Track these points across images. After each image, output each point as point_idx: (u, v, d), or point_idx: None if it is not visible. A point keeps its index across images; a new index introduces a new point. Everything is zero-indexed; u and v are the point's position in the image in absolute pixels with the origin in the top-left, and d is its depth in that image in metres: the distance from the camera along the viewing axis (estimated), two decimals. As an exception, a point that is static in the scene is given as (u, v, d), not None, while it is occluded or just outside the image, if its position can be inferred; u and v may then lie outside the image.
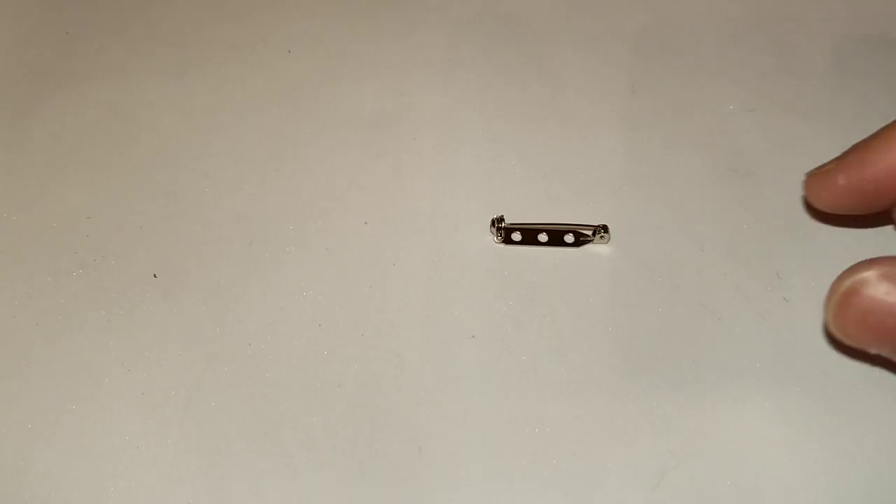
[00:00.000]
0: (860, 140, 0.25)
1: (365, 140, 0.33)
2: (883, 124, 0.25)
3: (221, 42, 0.37)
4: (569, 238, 0.30)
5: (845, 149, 0.26)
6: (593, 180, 0.32)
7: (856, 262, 0.29)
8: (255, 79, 0.36)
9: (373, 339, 0.28)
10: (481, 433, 0.26)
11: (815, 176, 0.25)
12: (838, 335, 0.22)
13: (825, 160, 0.26)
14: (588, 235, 0.30)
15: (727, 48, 0.36)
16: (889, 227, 0.30)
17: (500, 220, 0.30)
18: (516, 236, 0.30)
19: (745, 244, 0.30)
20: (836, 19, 0.37)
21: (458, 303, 0.29)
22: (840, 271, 0.29)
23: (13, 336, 0.28)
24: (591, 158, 0.33)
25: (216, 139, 0.33)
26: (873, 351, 0.22)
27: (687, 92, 0.35)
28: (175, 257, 0.30)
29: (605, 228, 0.30)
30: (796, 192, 0.31)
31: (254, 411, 0.27)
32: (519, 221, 0.29)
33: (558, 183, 0.32)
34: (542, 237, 0.30)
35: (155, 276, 0.30)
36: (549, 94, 0.35)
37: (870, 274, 0.20)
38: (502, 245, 0.30)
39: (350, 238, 0.31)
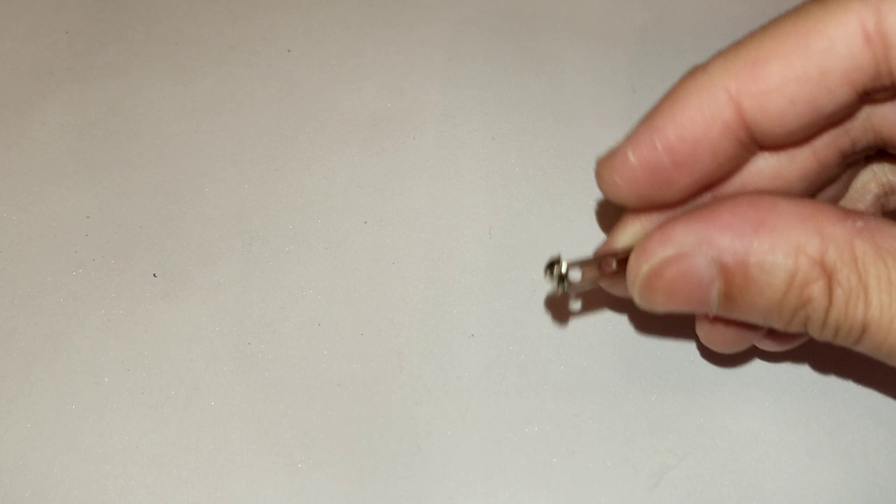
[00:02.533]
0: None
1: (365, 139, 0.33)
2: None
3: (221, 41, 0.37)
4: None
5: None
6: (594, 179, 0.32)
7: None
8: (255, 78, 0.35)
9: (372, 339, 0.28)
10: (480, 432, 0.26)
11: (605, 159, 0.21)
12: (645, 304, 0.22)
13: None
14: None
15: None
16: None
17: (557, 262, 0.22)
18: (576, 275, 0.23)
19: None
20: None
21: (457, 302, 0.29)
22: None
23: (13, 336, 0.28)
24: (591, 157, 0.32)
25: (216, 138, 0.33)
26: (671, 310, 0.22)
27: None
28: (175, 257, 0.30)
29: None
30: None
31: (253, 410, 0.27)
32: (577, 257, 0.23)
33: (558, 181, 0.32)
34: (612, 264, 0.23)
35: (154, 275, 0.30)
36: (549, 92, 0.35)
37: (671, 250, 0.20)
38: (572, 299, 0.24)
39: (350, 237, 0.31)
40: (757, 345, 0.24)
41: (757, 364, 0.27)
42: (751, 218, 0.19)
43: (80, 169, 0.33)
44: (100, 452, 0.26)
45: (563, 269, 0.22)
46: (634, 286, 0.21)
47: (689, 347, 0.28)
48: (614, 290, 0.24)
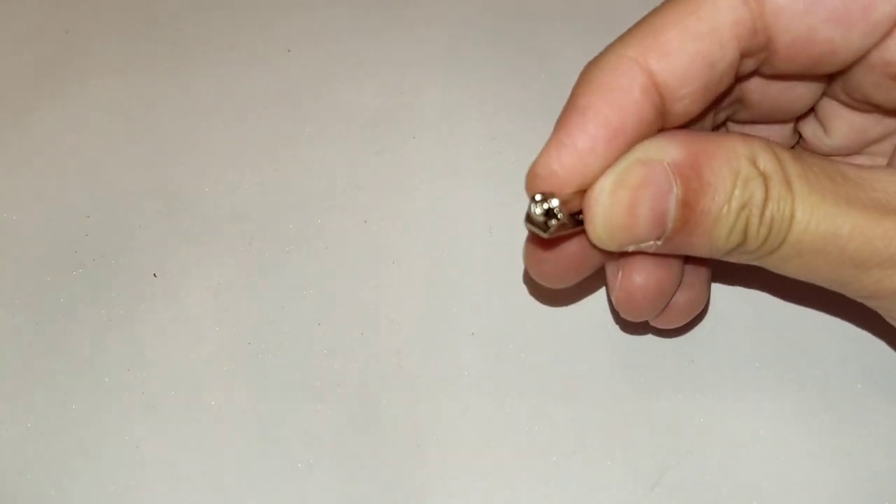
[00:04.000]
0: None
1: (365, 138, 0.33)
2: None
3: (221, 41, 0.37)
4: None
5: None
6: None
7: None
8: (255, 78, 0.35)
9: (372, 338, 0.28)
10: (480, 431, 0.26)
11: (539, 160, 0.22)
12: (606, 230, 0.21)
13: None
14: None
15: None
16: None
17: (547, 197, 0.21)
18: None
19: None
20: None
21: (457, 300, 0.29)
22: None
23: (13, 336, 0.28)
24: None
25: (216, 138, 0.33)
26: (631, 248, 0.22)
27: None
28: (175, 257, 0.30)
29: None
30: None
31: (253, 410, 0.27)
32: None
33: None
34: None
35: (155, 275, 0.30)
36: (549, 91, 0.34)
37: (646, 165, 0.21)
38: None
39: (350, 236, 0.31)
40: (653, 322, 0.26)
41: (756, 364, 0.27)
42: (690, 134, 0.21)
43: (80, 169, 0.33)
44: (100, 452, 0.26)
45: (555, 203, 0.21)
46: (598, 203, 0.21)
47: (689, 347, 0.28)
48: (547, 262, 0.24)
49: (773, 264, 0.22)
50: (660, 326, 0.26)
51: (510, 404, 0.27)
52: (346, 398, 0.27)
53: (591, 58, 0.22)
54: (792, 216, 0.20)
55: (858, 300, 0.22)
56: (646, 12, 0.37)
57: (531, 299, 0.29)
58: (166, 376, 0.28)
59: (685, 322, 0.26)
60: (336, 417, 0.27)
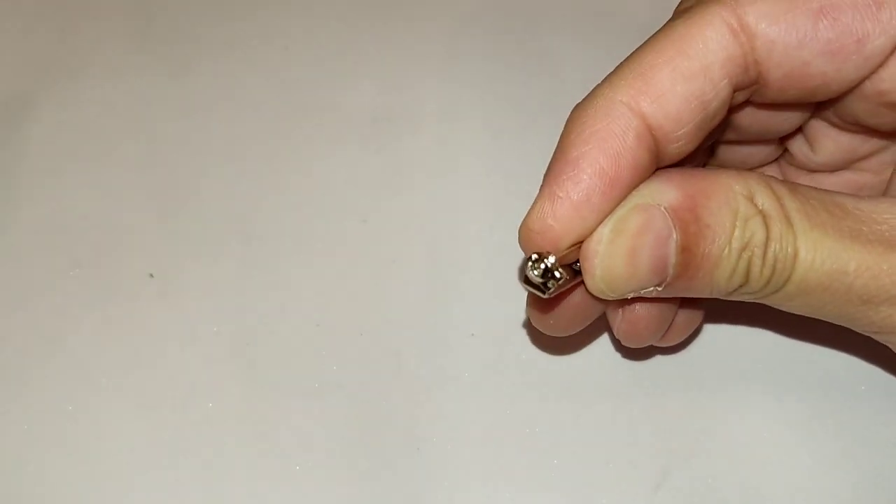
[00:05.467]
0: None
1: (364, 136, 0.33)
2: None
3: (219, 39, 0.37)
4: None
5: None
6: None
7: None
8: (253, 76, 0.35)
9: (371, 338, 0.28)
10: (480, 432, 0.26)
11: (530, 215, 0.21)
12: (605, 280, 0.21)
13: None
14: None
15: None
16: None
17: (544, 256, 0.20)
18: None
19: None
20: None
21: (457, 301, 0.29)
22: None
23: (8, 336, 0.28)
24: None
25: (213, 137, 0.33)
26: (630, 295, 0.21)
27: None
28: (172, 256, 0.30)
29: None
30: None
31: (251, 412, 0.27)
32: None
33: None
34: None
35: (151, 275, 0.30)
36: (550, 89, 0.34)
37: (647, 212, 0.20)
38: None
39: (348, 236, 0.30)
40: (656, 342, 0.25)
41: (759, 365, 0.27)
42: (685, 174, 0.21)
43: (75, 168, 0.32)
44: (96, 454, 0.26)
45: (552, 262, 0.20)
46: (597, 254, 0.21)
47: (692, 348, 0.27)
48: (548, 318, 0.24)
49: (776, 302, 0.21)
50: (660, 345, 0.26)
51: (511, 405, 0.26)
52: (346, 399, 0.27)
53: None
54: (795, 254, 0.20)
55: (866, 335, 0.22)
56: (649, 12, 0.37)
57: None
58: (163, 377, 0.27)
59: (685, 338, 0.26)
60: (335, 419, 0.26)
